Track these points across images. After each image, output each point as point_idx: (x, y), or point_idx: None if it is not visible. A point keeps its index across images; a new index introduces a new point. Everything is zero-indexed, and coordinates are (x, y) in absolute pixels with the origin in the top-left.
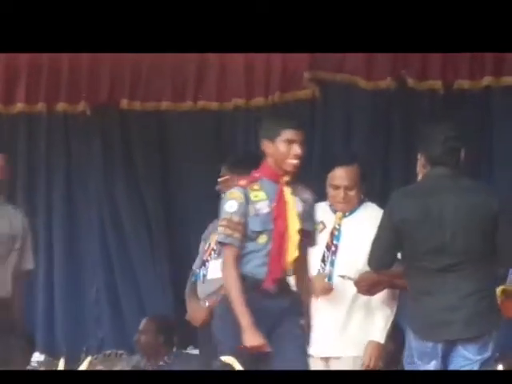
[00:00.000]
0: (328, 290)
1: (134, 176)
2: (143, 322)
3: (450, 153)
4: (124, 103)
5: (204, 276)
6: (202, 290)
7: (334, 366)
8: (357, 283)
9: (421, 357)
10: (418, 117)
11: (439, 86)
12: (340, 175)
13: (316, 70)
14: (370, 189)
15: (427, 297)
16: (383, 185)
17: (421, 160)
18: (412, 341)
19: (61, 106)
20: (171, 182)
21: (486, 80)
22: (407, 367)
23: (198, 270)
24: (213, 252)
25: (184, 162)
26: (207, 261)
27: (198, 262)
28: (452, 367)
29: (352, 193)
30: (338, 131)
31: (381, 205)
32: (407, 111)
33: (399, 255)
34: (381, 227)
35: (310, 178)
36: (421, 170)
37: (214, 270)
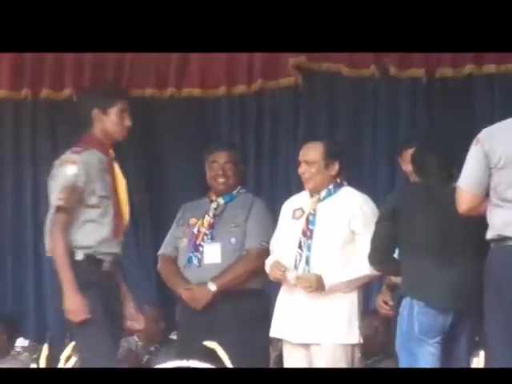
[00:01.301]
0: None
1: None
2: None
3: (443, 171)
4: None
5: (200, 260)
6: (197, 274)
7: (315, 354)
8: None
9: (426, 331)
10: (402, 105)
11: (422, 73)
12: (302, 151)
13: (299, 57)
14: (353, 175)
15: (434, 271)
16: (369, 172)
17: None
18: (417, 315)
19: (45, 93)
20: (155, 169)
21: (469, 68)
22: (404, 343)
23: (190, 254)
24: (205, 236)
25: (168, 149)
26: (200, 245)
27: (184, 245)
28: (453, 345)
29: (313, 169)
30: (321, 119)
31: (368, 192)
32: (391, 99)
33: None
34: (379, 220)
35: (295, 165)
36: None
37: (210, 255)
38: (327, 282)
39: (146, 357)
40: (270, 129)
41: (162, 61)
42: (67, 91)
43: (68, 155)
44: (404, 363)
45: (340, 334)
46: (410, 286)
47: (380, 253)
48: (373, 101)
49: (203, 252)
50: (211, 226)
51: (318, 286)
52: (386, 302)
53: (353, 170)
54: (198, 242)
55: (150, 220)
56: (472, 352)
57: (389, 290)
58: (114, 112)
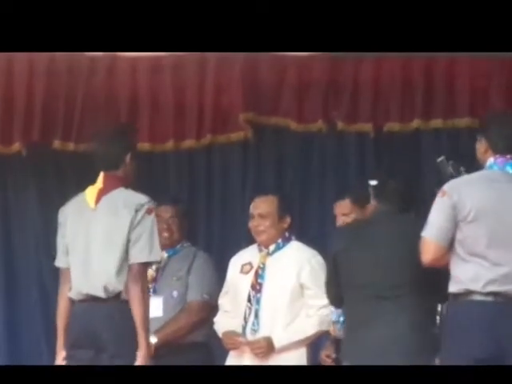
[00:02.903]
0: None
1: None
2: None
3: (390, 192)
4: (57, 144)
5: None
6: None
7: None
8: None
9: None
10: (350, 159)
11: (369, 128)
12: (254, 204)
13: (249, 111)
14: (302, 230)
15: (364, 328)
16: (317, 226)
17: (345, 203)
18: None
19: None
20: None
21: (416, 123)
22: None
23: None
24: None
25: None
26: None
27: None
28: None
29: (267, 222)
30: (270, 173)
31: (316, 246)
32: (339, 154)
33: None
34: (328, 265)
35: (245, 219)
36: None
37: (152, 309)
38: (277, 344)
39: None
40: (219, 183)
41: (110, 116)
42: (16, 146)
43: (150, 203)
44: None
45: None
46: (343, 344)
47: (330, 297)
48: (321, 155)
49: None
50: (154, 280)
51: (268, 349)
52: (328, 356)
53: (301, 224)
54: None
55: None
56: None
57: (333, 344)
58: (133, 159)
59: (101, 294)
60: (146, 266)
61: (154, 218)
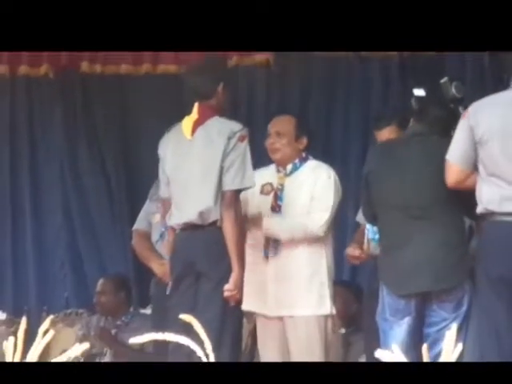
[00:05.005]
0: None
1: (95, 138)
2: (100, 283)
3: (431, 117)
4: (85, 66)
5: None
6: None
7: (288, 326)
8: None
9: (394, 313)
10: (375, 81)
11: (394, 53)
12: (272, 123)
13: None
14: (325, 151)
15: (397, 248)
16: (341, 148)
17: (391, 128)
18: (385, 296)
19: (23, 69)
20: (131, 144)
21: None
22: (381, 324)
23: (162, 229)
24: None
25: (144, 125)
26: None
27: (157, 220)
28: (427, 325)
29: (283, 140)
30: (294, 97)
31: (340, 168)
32: (364, 75)
33: None
34: (362, 184)
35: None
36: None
37: None
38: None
39: (114, 330)
40: (244, 104)
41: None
42: (44, 68)
43: (243, 131)
44: (381, 336)
45: (312, 306)
46: (378, 265)
47: (365, 214)
48: (346, 76)
49: None
50: None
51: None
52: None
53: (325, 146)
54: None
55: (126, 195)
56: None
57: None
58: (226, 88)
59: (197, 220)
60: (238, 193)
61: (247, 144)
